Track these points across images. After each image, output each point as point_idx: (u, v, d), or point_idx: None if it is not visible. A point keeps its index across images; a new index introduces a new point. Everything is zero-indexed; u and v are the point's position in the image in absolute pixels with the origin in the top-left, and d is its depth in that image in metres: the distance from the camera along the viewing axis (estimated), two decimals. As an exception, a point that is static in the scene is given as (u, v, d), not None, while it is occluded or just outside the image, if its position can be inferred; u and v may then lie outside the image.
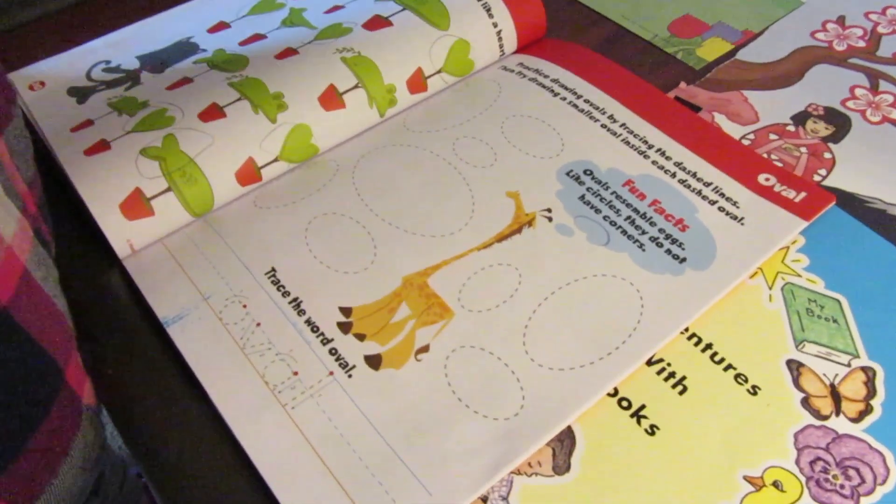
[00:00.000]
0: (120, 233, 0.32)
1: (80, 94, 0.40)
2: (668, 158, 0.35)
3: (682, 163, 0.35)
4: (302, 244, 0.33)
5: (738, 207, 0.33)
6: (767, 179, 0.34)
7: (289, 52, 0.38)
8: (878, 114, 0.39)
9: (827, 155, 0.37)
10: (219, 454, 0.27)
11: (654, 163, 0.35)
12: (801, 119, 0.38)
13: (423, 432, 0.27)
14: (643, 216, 0.33)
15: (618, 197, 0.34)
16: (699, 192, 0.34)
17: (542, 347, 0.29)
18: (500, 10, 0.41)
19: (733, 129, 0.38)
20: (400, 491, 0.25)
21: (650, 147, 0.36)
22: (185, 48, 0.43)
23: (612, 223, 0.33)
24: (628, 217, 0.33)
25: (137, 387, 0.29)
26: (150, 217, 0.33)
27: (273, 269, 0.32)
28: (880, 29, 0.43)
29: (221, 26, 0.44)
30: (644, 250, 0.32)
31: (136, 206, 0.32)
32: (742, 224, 0.32)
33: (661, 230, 0.32)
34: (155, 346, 0.30)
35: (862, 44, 0.43)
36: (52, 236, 0.29)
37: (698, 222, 0.32)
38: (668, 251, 0.32)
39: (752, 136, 0.38)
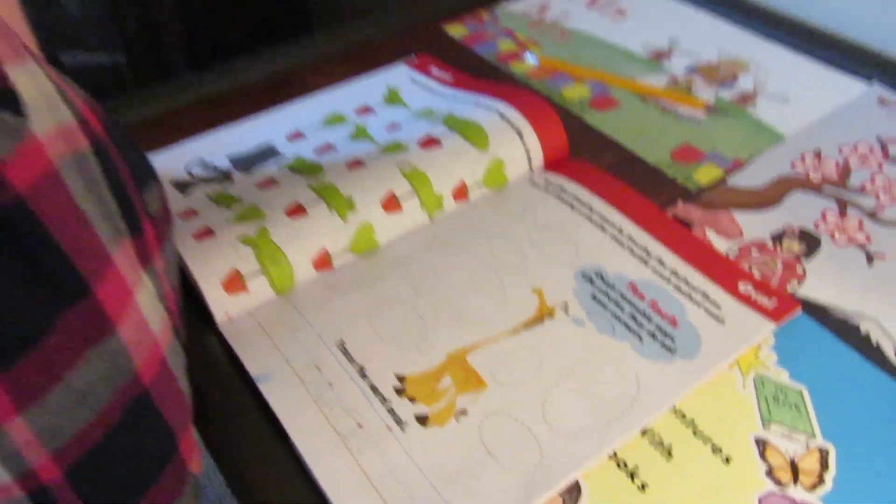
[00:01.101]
0: (220, 304, 0.40)
1: (182, 186, 0.48)
2: (664, 266, 0.43)
3: (675, 270, 0.43)
4: (365, 322, 0.40)
5: (719, 309, 0.40)
6: (745, 287, 0.42)
7: (357, 164, 0.47)
8: (844, 236, 0.46)
9: (799, 269, 0.44)
10: (298, 487, 0.34)
11: (653, 269, 0.43)
12: (778, 237, 0.46)
13: (460, 479, 0.33)
14: (642, 313, 0.40)
15: (622, 296, 0.41)
16: (689, 296, 0.41)
17: (557, 416, 0.36)
18: (529, 135, 0.49)
19: (720, 243, 0.46)
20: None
21: (650, 256, 0.43)
22: (267, 152, 0.52)
23: (617, 318, 0.40)
24: (630, 314, 0.40)
25: (234, 431, 0.36)
26: (244, 293, 0.41)
27: (342, 341, 0.39)
28: (851, 162, 0.52)
29: (298, 135, 0.53)
30: (642, 341, 0.39)
31: (234, 283, 0.40)
32: (723, 324, 0.40)
33: (657, 326, 0.40)
34: (247, 398, 0.37)
35: (834, 175, 0.51)
36: (183, 327, 0.36)
37: (687, 321, 0.40)
38: (662, 343, 0.39)
39: (736, 250, 0.45)
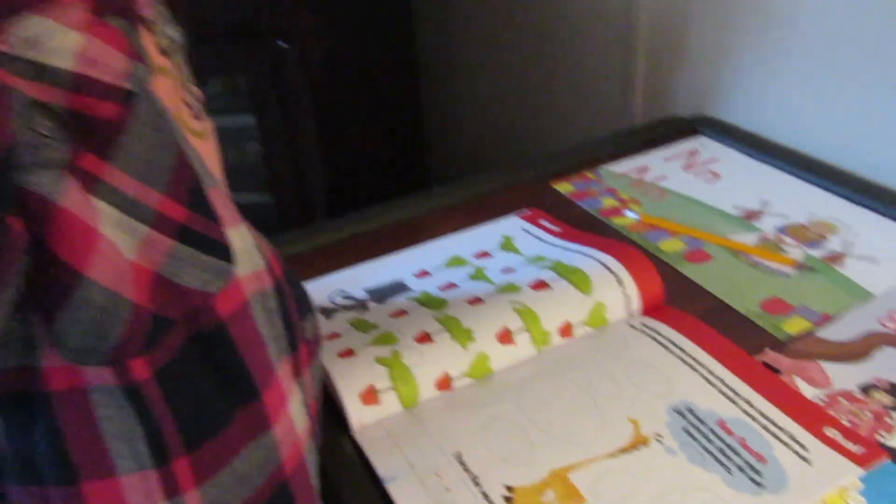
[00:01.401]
0: (357, 413, 0.47)
1: (327, 312, 0.57)
2: (752, 407, 0.47)
3: (764, 412, 0.46)
4: (480, 437, 0.46)
5: (806, 451, 0.44)
6: (832, 432, 0.45)
7: (476, 300, 0.54)
8: (930, 391, 0.49)
9: (888, 420, 0.47)
10: (417, 577, 0.39)
11: (741, 409, 0.47)
12: (867, 389, 0.49)
13: None
14: (731, 448, 0.44)
15: (712, 431, 0.45)
16: (776, 436, 0.45)
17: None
18: (628, 283, 0.55)
19: (808, 390, 0.49)
20: None
21: (738, 397, 0.48)
22: (398, 286, 0.60)
23: (707, 451, 0.44)
24: (720, 447, 0.44)
25: (361, 523, 0.42)
26: (377, 405, 0.47)
27: (459, 452, 0.45)
28: (937, 323, 0.55)
29: (424, 274, 0.61)
30: (731, 474, 0.43)
31: (370, 396, 0.47)
32: (809, 464, 0.43)
33: (745, 461, 0.43)
34: (375, 496, 0.43)
35: (921, 334, 0.54)
36: (319, 431, 0.43)
37: (774, 458, 0.43)
38: (751, 478, 0.42)
39: (824, 398, 0.49)
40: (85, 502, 0.32)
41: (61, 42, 0.26)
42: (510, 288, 0.55)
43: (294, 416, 0.37)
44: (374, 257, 0.65)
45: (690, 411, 0.47)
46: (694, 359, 0.51)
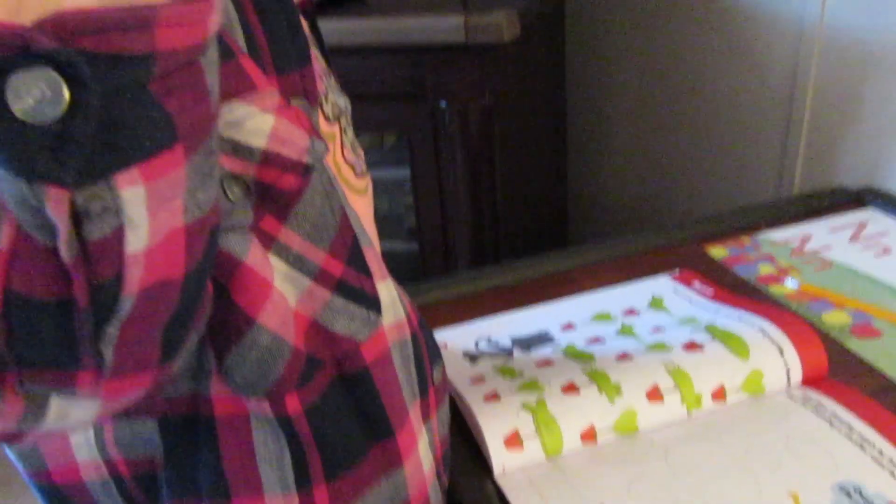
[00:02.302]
0: (500, 457, 0.47)
1: (472, 358, 0.58)
2: (930, 495, 0.43)
3: (943, 501, 0.43)
4: (625, 495, 0.45)
5: None
6: None
7: (625, 357, 0.54)
8: None
9: None
10: None
11: None
12: None
13: None
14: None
15: (881, 513, 0.42)
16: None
17: None
18: (789, 351, 0.53)
19: None
20: None
21: (914, 483, 0.44)
22: (543, 337, 0.60)
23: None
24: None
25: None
26: (520, 450, 0.47)
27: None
28: None
29: (570, 326, 0.61)
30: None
31: (514, 441, 0.47)
32: None
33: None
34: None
35: None
36: (445, 472, 0.44)
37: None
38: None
39: None
40: None
41: (258, 124, 0.29)
42: (660, 346, 0.54)
43: (422, 455, 0.39)
44: (520, 308, 0.65)
45: (858, 492, 0.44)
46: (862, 437, 0.48)
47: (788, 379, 0.53)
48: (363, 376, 0.36)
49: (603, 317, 0.62)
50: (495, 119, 0.96)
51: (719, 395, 0.51)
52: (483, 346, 0.60)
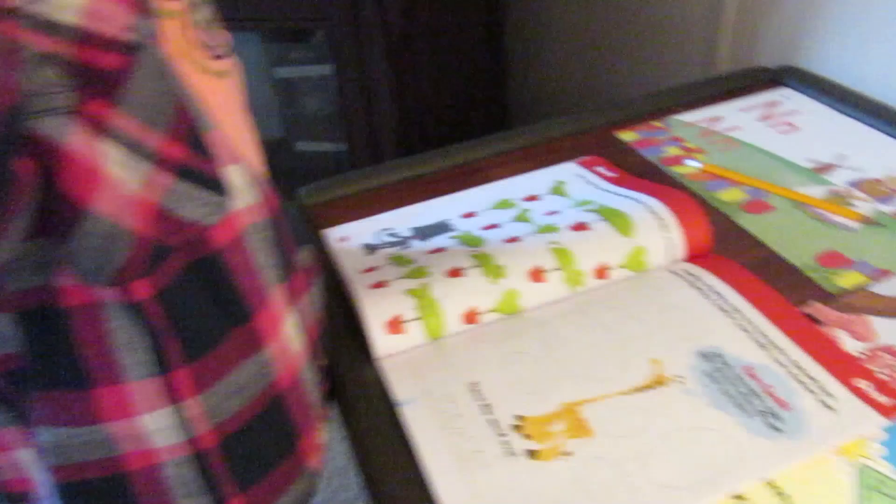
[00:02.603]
0: (381, 341, 0.49)
1: (371, 249, 0.59)
2: (784, 355, 0.45)
3: (796, 360, 0.45)
4: (499, 370, 0.47)
5: (834, 399, 0.42)
6: (864, 384, 0.43)
7: (513, 240, 0.55)
8: None
9: (933, 377, 0.44)
10: (417, 494, 0.40)
11: (773, 358, 0.45)
12: (916, 345, 0.47)
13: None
14: (754, 394, 0.43)
15: (737, 377, 0.44)
16: (804, 384, 0.43)
17: (655, 470, 0.39)
18: (673, 229, 0.54)
19: (851, 344, 0.47)
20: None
21: (773, 346, 0.46)
22: (443, 227, 0.61)
23: (729, 395, 0.43)
24: (743, 392, 0.43)
25: (375, 444, 0.44)
26: (402, 335, 0.49)
27: (476, 382, 0.46)
28: None
29: (471, 214, 0.62)
30: (750, 418, 0.42)
31: (396, 325, 0.49)
32: (833, 412, 0.41)
33: (767, 406, 0.42)
34: (390, 418, 0.45)
35: None
36: (320, 355, 0.46)
37: (798, 405, 0.42)
38: (770, 423, 0.41)
39: (866, 352, 0.46)
40: (98, 405, 0.35)
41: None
42: (549, 228, 0.55)
43: (288, 337, 0.40)
44: (429, 199, 0.66)
45: (718, 356, 0.46)
46: (732, 306, 0.50)
47: (672, 255, 0.54)
48: (215, 260, 0.37)
49: (504, 204, 0.63)
50: (418, 8, 0.94)
51: (601, 272, 0.53)
52: (383, 237, 0.61)
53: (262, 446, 0.40)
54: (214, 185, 0.36)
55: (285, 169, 0.70)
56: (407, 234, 0.60)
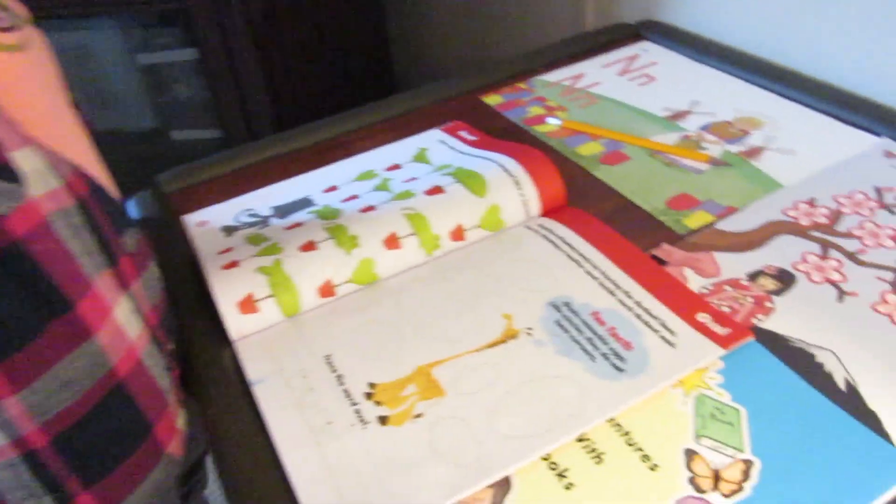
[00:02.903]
0: (235, 322, 0.47)
1: (229, 230, 0.57)
2: (630, 297, 0.46)
3: (640, 301, 0.46)
4: (352, 340, 0.46)
5: (674, 335, 0.43)
6: (704, 317, 0.44)
7: (369, 209, 0.54)
8: (820, 275, 0.48)
9: (769, 304, 0.46)
10: (271, 474, 0.40)
11: (618, 300, 0.46)
12: (754, 276, 0.48)
13: (404, 470, 0.38)
14: (600, 337, 0.44)
15: (584, 322, 0.45)
16: (647, 323, 0.44)
17: (502, 421, 0.40)
18: (527, 185, 0.55)
19: (697, 280, 0.48)
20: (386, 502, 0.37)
21: (618, 288, 0.47)
22: (304, 203, 0.60)
23: (576, 341, 0.44)
24: (588, 337, 0.44)
25: (231, 423, 0.43)
26: (256, 313, 0.48)
27: (329, 356, 0.45)
28: (843, 210, 0.53)
29: (332, 189, 0.61)
30: (595, 361, 0.42)
31: (248, 304, 0.48)
32: (674, 348, 0.43)
33: (611, 348, 0.43)
34: (245, 399, 0.44)
35: (824, 220, 0.52)
36: (166, 340, 0.44)
37: (641, 344, 0.43)
38: (613, 364, 0.42)
39: (710, 287, 0.48)
40: None
41: None
42: (405, 195, 0.55)
43: (123, 324, 0.39)
44: (288, 177, 0.64)
45: (567, 305, 0.47)
46: (582, 255, 0.50)
47: (527, 211, 0.55)
48: (17, 251, 0.35)
49: (366, 175, 0.62)
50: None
51: (457, 234, 0.53)
52: (243, 218, 0.59)
53: (108, 438, 0.39)
54: (2, 172, 0.34)
55: (162, 159, 0.67)
56: (267, 213, 0.59)
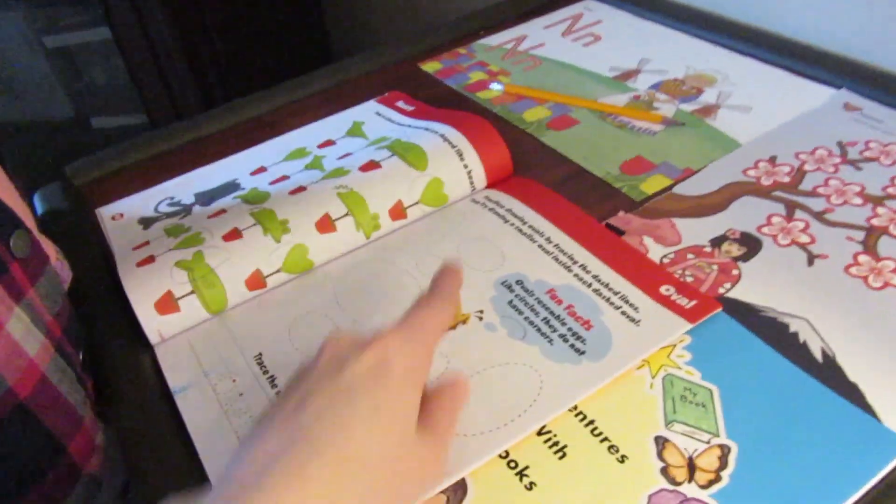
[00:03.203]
0: (153, 324, 0.42)
1: (147, 222, 0.52)
2: (587, 272, 0.43)
3: (598, 275, 0.42)
4: (285, 335, 0.42)
5: (637, 311, 0.40)
6: (667, 290, 0.41)
7: (299, 190, 0.49)
8: (788, 237, 0.45)
9: (735, 272, 0.43)
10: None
11: (575, 275, 0.43)
12: (718, 241, 0.45)
13: None
14: (557, 317, 0.40)
15: (539, 302, 0.41)
16: (607, 299, 0.41)
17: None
18: (470, 155, 0.50)
19: (657, 250, 0.45)
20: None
21: (575, 263, 0.43)
22: (230, 187, 0.54)
23: (531, 322, 0.40)
24: (545, 318, 0.40)
25: (151, 438, 0.38)
26: (177, 313, 0.43)
27: (260, 354, 0.41)
28: (806, 167, 0.50)
29: (260, 170, 0.56)
30: (552, 344, 0.39)
31: (167, 304, 0.43)
32: (637, 325, 0.39)
33: (569, 329, 0.39)
34: (167, 409, 0.39)
35: (787, 179, 0.49)
36: (75, 348, 0.39)
37: (601, 323, 0.39)
38: (572, 346, 0.38)
39: (672, 255, 0.45)
40: None
41: None
42: (337, 172, 0.50)
43: (18, 339, 0.34)
44: (213, 160, 0.59)
45: (519, 283, 0.43)
46: (533, 228, 0.46)
47: (472, 183, 0.51)
48: None
49: (297, 154, 0.57)
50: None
51: (397, 212, 0.48)
52: (163, 207, 0.54)
53: (17, 462, 0.34)
54: None
55: (83, 149, 0.61)
56: (189, 201, 0.54)
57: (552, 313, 0.40)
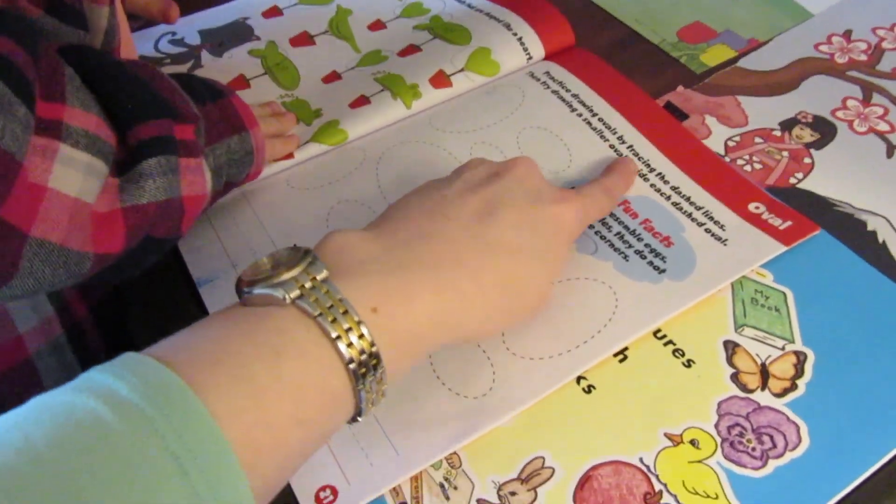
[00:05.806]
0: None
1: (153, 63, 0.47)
2: (666, 182, 0.38)
3: (678, 187, 0.38)
4: (322, 226, 0.38)
5: (724, 230, 0.36)
6: (757, 207, 0.37)
7: (334, 77, 0.44)
8: (865, 124, 0.41)
9: (807, 160, 0.40)
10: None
11: (651, 185, 0.38)
12: (788, 125, 0.42)
13: (401, 401, 0.31)
14: (632, 232, 0.36)
15: (612, 215, 0.37)
16: (689, 215, 0.37)
17: (518, 339, 0.33)
18: (520, 26, 0.45)
19: (721, 131, 0.41)
20: (373, 448, 0.30)
21: (651, 171, 0.39)
22: (240, 30, 0.49)
23: (602, 237, 0.36)
24: (618, 232, 0.36)
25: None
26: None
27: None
28: (885, 44, 0.46)
29: (275, 12, 0.50)
30: (627, 260, 0.35)
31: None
32: (725, 244, 0.35)
33: (646, 245, 0.36)
34: (191, 302, 0.36)
35: (864, 57, 0.45)
36: None
37: (683, 240, 0.36)
38: (651, 263, 0.35)
39: (738, 139, 0.41)
40: None
41: None
42: (375, 58, 0.45)
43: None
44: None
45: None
46: (603, 122, 0.41)
47: (526, 51, 0.45)
48: None
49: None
50: None
51: (440, 80, 0.44)
52: (164, 45, 0.48)
53: None
54: None
55: None
56: (194, 40, 0.48)
57: (626, 228, 0.37)
